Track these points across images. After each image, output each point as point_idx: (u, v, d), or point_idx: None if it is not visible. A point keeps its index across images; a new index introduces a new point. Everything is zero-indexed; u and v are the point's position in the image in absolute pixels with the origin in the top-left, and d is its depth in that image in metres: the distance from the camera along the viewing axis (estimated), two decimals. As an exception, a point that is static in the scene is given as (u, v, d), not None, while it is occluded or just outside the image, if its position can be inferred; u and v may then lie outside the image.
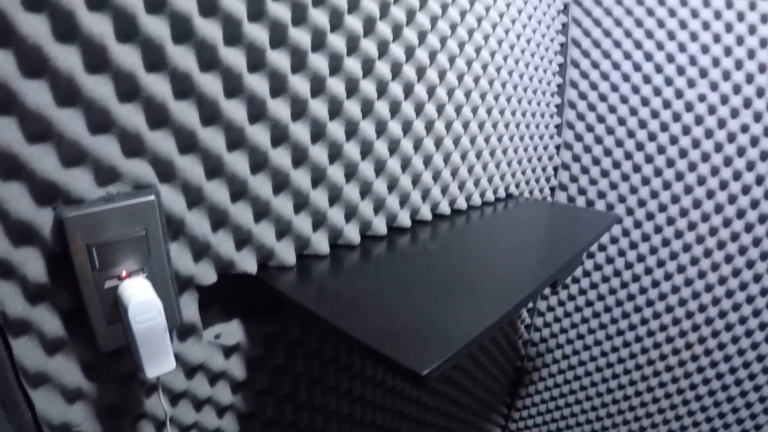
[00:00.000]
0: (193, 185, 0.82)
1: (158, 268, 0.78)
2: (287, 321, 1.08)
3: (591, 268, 2.08)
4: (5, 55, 0.60)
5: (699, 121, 1.74)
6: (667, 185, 1.84)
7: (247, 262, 0.95)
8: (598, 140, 1.95)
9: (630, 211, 1.94)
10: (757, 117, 1.65)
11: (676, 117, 1.77)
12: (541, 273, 1.04)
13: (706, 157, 1.75)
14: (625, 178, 1.92)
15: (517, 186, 1.79)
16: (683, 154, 1.79)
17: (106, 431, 0.82)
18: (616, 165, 1.94)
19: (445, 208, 1.41)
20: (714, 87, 1.70)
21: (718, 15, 1.64)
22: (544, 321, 2.29)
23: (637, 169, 1.89)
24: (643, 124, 1.85)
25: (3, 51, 0.60)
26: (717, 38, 1.66)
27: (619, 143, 1.91)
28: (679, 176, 1.81)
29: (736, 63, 1.65)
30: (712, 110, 1.71)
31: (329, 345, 1.21)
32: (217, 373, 0.97)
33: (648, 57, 1.80)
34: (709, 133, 1.73)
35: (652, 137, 1.84)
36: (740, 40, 1.63)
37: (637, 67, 1.83)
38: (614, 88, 1.88)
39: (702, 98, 1.72)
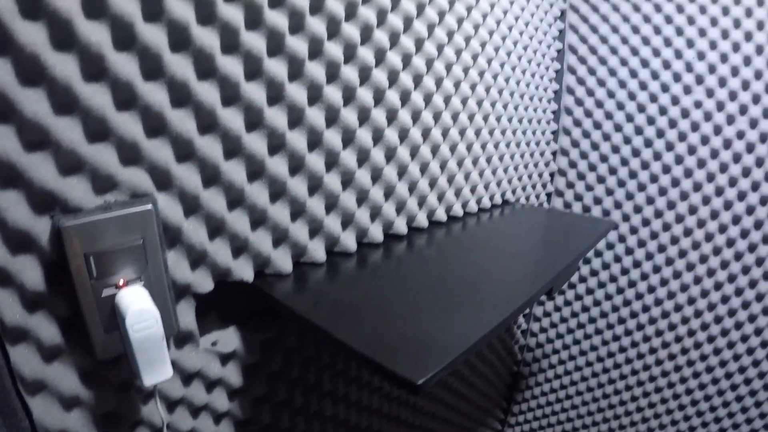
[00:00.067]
0: (190, 193, 0.83)
1: (155, 276, 0.78)
2: (284, 328, 1.08)
3: (587, 273, 2.09)
4: (3, 63, 0.61)
5: (695, 127, 1.75)
6: (663, 191, 1.85)
7: (243, 270, 0.95)
8: (595, 146, 1.96)
9: (626, 217, 1.95)
10: (753, 123, 1.66)
11: (672, 123, 1.78)
12: (537, 280, 1.04)
13: (701, 164, 1.76)
14: (621, 184, 1.93)
15: (514, 192, 1.79)
16: (679, 160, 1.79)
17: (103, 438, 0.82)
18: (612, 171, 1.94)
19: (441, 215, 1.41)
20: (710, 93, 1.70)
21: (714, 22, 1.65)
22: (541, 326, 2.29)
23: (633, 175, 1.90)
24: (639, 131, 1.85)
25: (1, 59, 0.60)
26: (713, 45, 1.67)
27: (615, 149, 1.92)
28: (675, 182, 1.81)
29: (732, 70, 1.66)
30: (708, 116, 1.72)
31: (326, 351, 1.21)
32: (214, 380, 0.97)
33: (644, 64, 1.81)
34: (705, 140, 1.74)
35: (648, 143, 1.84)
36: (736, 47, 1.64)
37: (633, 74, 1.83)
38: (610, 94, 1.89)
39: (698, 105, 1.73)
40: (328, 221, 1.09)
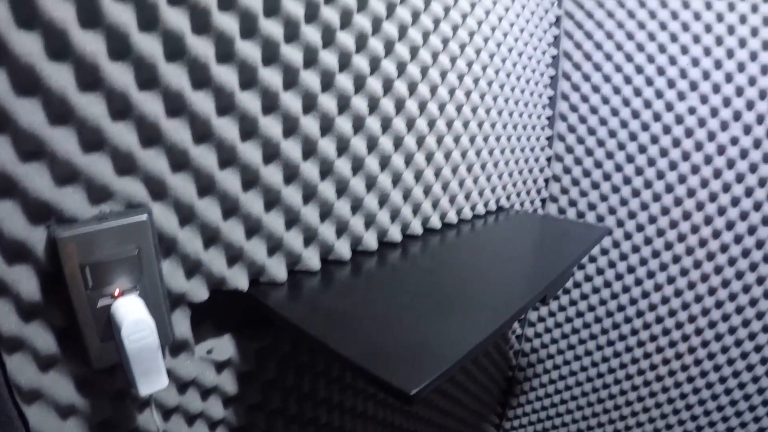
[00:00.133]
0: (185, 203, 0.83)
1: (151, 286, 0.78)
2: (278, 336, 1.08)
3: (581, 278, 2.09)
4: (-2, 73, 0.61)
5: (689, 133, 1.75)
6: (657, 197, 1.85)
7: (238, 279, 0.95)
8: (589, 152, 1.97)
9: (620, 223, 1.95)
10: (747, 130, 1.66)
11: (666, 130, 1.79)
12: (531, 288, 1.05)
13: (695, 170, 1.77)
14: (615, 190, 1.93)
15: (508, 198, 1.80)
16: (673, 166, 1.80)
17: (99, 447, 0.83)
18: (607, 177, 1.95)
19: (435, 222, 1.41)
20: (704, 100, 1.71)
21: (708, 29, 1.66)
22: (535, 331, 2.30)
23: (627, 181, 1.90)
24: (633, 137, 1.86)
25: (-4, 69, 0.60)
26: (707, 51, 1.67)
27: (610, 155, 1.92)
28: (669, 188, 1.82)
29: (726, 76, 1.66)
30: (702, 123, 1.72)
31: (320, 359, 1.21)
32: (209, 388, 0.97)
33: (639, 70, 1.81)
34: (699, 146, 1.74)
35: (642, 149, 1.85)
36: (730, 53, 1.64)
37: (627, 80, 1.84)
38: (605, 100, 1.89)
39: (692, 111, 1.73)
40: (322, 229, 1.09)
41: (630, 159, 1.88)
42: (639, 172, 1.87)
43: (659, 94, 1.78)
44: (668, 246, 1.87)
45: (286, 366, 1.13)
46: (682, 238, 1.84)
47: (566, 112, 1.98)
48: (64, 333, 0.74)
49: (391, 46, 1.14)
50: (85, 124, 0.69)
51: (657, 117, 1.80)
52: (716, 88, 1.68)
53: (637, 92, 1.83)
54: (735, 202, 1.72)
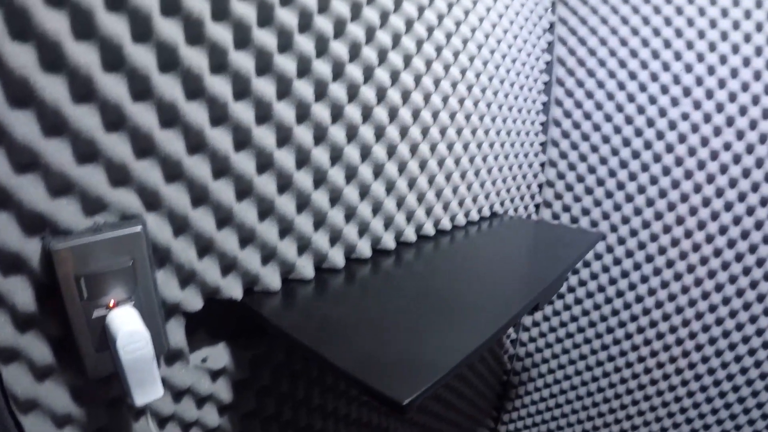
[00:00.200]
0: (179, 214, 0.83)
1: (145, 296, 0.78)
2: (273, 344, 1.08)
3: (575, 283, 2.10)
4: (-8, 85, 0.61)
5: (682, 139, 1.76)
6: (650, 202, 1.86)
7: (232, 288, 0.95)
8: (583, 158, 1.98)
9: (614, 228, 1.96)
10: (740, 135, 1.67)
11: (660, 135, 1.80)
12: (525, 294, 1.05)
13: (689, 175, 1.77)
14: (609, 195, 1.94)
15: (502, 204, 1.80)
16: (666, 171, 1.81)
17: (95, 455, 0.83)
18: (600, 182, 1.95)
19: (429, 229, 1.42)
20: (697, 105, 1.72)
21: (702, 35, 1.67)
22: (530, 335, 2.30)
23: (620, 186, 1.91)
24: (626, 142, 1.87)
25: (-11, 82, 0.61)
26: (701, 57, 1.68)
27: (603, 161, 1.93)
28: (663, 193, 1.83)
29: (719, 82, 1.67)
30: (695, 128, 1.73)
31: (314, 366, 1.22)
32: (204, 396, 0.98)
33: (632, 76, 1.82)
34: (692, 151, 1.75)
35: (635, 155, 1.86)
36: (723, 59, 1.65)
37: (621, 86, 1.85)
38: (598, 106, 1.90)
39: (685, 116, 1.74)
40: (316, 238, 1.09)
41: (623, 164, 1.89)
42: (632, 177, 1.88)
43: (653, 100, 1.79)
44: (662, 250, 1.88)
45: (281, 373, 1.13)
46: (675, 242, 1.84)
47: (560, 117, 1.99)
48: (59, 343, 0.74)
49: (384, 54, 1.14)
50: (79, 135, 0.69)
51: (650, 123, 1.81)
52: (709, 94, 1.69)
53: (631, 98, 1.84)
54: (728, 206, 1.73)
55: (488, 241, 1.46)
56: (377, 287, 1.11)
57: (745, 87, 1.64)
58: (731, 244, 1.75)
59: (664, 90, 1.77)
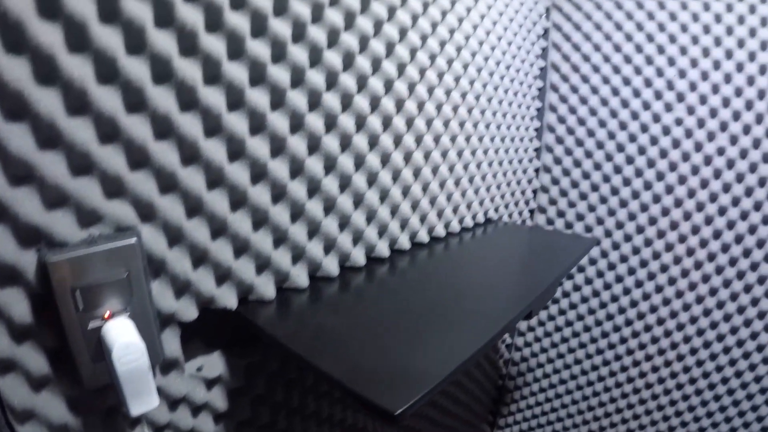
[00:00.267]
0: (174, 225, 0.83)
1: (140, 307, 0.79)
2: (267, 352, 1.09)
3: (570, 288, 2.11)
4: (-14, 98, 0.61)
5: (676, 144, 1.77)
6: (644, 207, 1.87)
7: (227, 298, 0.96)
8: (577, 163, 1.98)
9: (608, 233, 1.96)
10: (733, 140, 1.68)
11: (654, 140, 1.80)
12: (519, 301, 1.05)
13: (682, 180, 1.78)
14: (603, 200, 1.95)
15: (496, 210, 1.81)
16: (660, 176, 1.81)
17: (91, 465, 0.83)
18: (594, 188, 1.96)
19: (423, 236, 1.42)
20: (691, 111, 1.73)
21: (695, 40, 1.67)
22: (525, 340, 2.31)
23: (614, 191, 1.92)
24: (620, 148, 1.87)
25: (-15, 95, 0.61)
26: (694, 63, 1.69)
27: (597, 166, 1.94)
28: (656, 198, 1.84)
29: (713, 87, 1.68)
30: (689, 134, 1.74)
31: (309, 374, 1.22)
32: (200, 405, 0.98)
33: (626, 81, 1.83)
34: (686, 156, 1.76)
35: (629, 160, 1.86)
36: (717, 65, 1.66)
37: (615, 92, 1.85)
38: (593, 112, 1.91)
39: (679, 122, 1.75)
40: (310, 247, 1.09)
41: (618, 170, 1.90)
42: (627, 182, 1.89)
43: (646, 106, 1.80)
44: (656, 255, 1.88)
45: (275, 382, 1.13)
46: (669, 247, 1.85)
47: (554, 123, 2.00)
48: (55, 354, 0.74)
49: (378, 63, 1.14)
50: (74, 148, 0.70)
51: (644, 128, 1.81)
52: (703, 99, 1.70)
53: (625, 104, 1.84)
54: (722, 211, 1.74)
55: (482, 247, 1.47)
56: (372, 295, 1.11)
57: (738, 92, 1.65)
58: (725, 248, 1.76)
59: (658, 95, 1.77)
